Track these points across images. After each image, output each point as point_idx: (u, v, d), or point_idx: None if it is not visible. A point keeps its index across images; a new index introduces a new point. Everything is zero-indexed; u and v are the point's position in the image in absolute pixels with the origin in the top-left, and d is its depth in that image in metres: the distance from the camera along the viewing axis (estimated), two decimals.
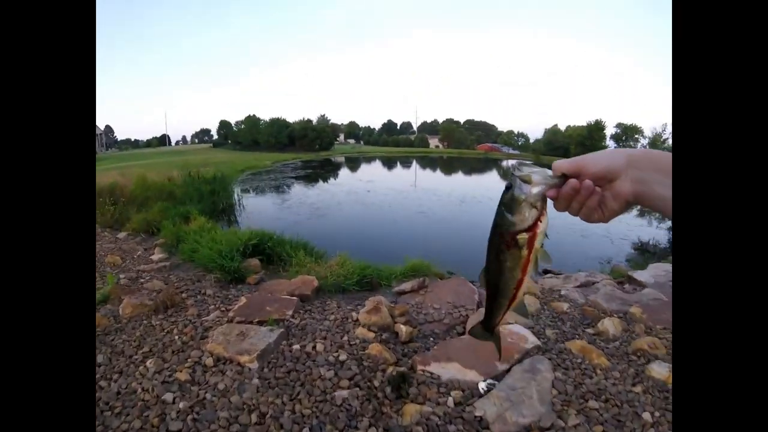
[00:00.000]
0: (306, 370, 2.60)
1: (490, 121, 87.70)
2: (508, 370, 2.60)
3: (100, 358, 2.90)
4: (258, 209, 11.72)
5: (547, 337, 3.13)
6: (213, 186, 11.43)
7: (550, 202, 0.59)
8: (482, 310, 1.85)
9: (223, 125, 53.53)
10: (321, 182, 19.28)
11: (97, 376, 2.60)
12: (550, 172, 0.58)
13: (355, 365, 2.64)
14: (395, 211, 11.53)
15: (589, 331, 3.32)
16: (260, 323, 3.23)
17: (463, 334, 3.31)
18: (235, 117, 61.74)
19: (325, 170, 25.49)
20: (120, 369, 2.66)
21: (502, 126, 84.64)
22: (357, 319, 3.28)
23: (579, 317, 3.59)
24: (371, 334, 3.01)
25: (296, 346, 2.81)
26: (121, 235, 6.82)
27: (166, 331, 3.16)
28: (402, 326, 3.20)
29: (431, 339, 3.22)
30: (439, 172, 27.36)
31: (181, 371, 2.56)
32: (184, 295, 3.91)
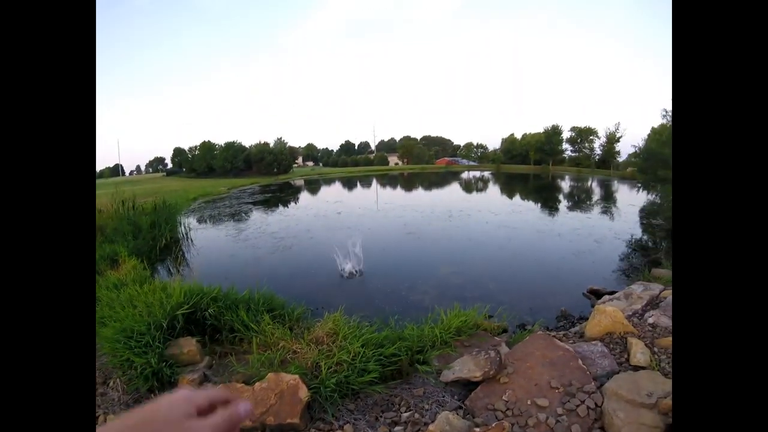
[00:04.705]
0: None
1: (446, 136, 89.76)
2: None
3: None
4: (209, 243, 9.46)
5: None
6: (154, 217, 9.17)
7: None
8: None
9: (178, 152, 49.05)
10: (281, 207, 16.99)
11: None
12: None
13: None
14: (381, 236, 9.34)
15: None
16: None
17: None
18: (190, 144, 58.04)
19: (285, 194, 23.10)
20: None
21: (459, 139, 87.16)
22: None
23: None
24: None
25: None
26: None
27: None
28: None
29: None
30: (400, 189, 25.79)
31: None
32: None
